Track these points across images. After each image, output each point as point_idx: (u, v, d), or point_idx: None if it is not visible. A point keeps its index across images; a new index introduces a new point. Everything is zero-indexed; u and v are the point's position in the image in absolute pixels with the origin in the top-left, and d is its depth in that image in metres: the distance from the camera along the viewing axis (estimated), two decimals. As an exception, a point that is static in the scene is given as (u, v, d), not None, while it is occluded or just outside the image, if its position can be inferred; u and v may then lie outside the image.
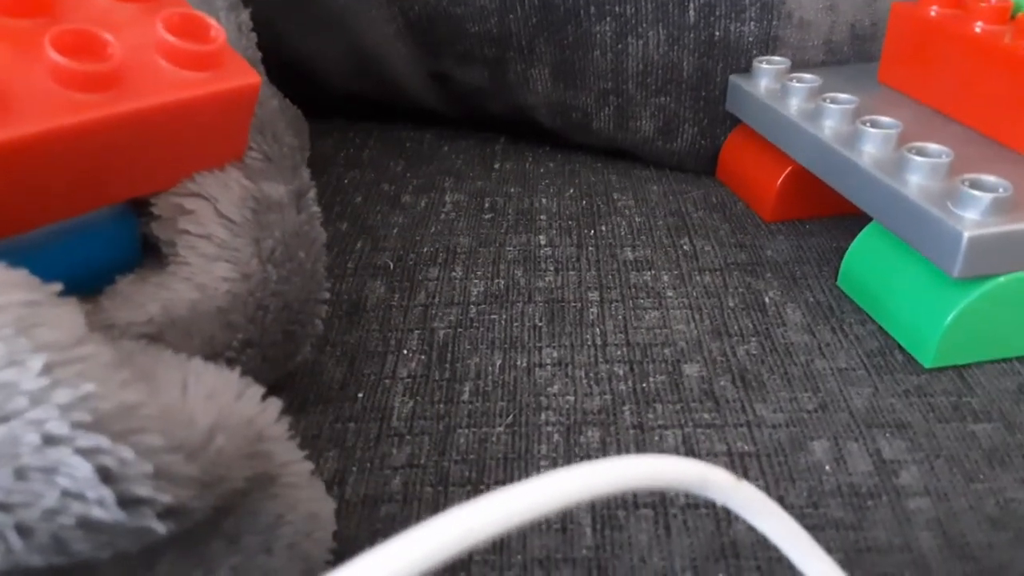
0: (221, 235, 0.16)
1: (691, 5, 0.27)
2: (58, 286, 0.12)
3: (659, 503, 0.17)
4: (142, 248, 0.17)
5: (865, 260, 0.23)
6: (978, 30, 0.23)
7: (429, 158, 0.31)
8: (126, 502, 0.11)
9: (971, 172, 0.20)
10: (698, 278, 0.24)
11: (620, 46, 0.28)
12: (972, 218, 0.19)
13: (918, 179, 0.20)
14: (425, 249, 0.25)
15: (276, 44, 0.31)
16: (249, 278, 0.16)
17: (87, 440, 0.11)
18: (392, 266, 0.24)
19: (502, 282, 0.24)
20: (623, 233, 0.26)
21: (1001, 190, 0.19)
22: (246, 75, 0.16)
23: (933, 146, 0.21)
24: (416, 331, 0.21)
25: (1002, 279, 0.19)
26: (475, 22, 0.29)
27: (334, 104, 0.34)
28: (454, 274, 0.24)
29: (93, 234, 0.16)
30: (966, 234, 0.18)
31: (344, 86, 0.33)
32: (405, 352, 0.21)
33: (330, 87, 0.33)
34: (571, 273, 0.24)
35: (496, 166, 0.31)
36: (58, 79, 0.13)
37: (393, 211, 0.27)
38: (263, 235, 0.17)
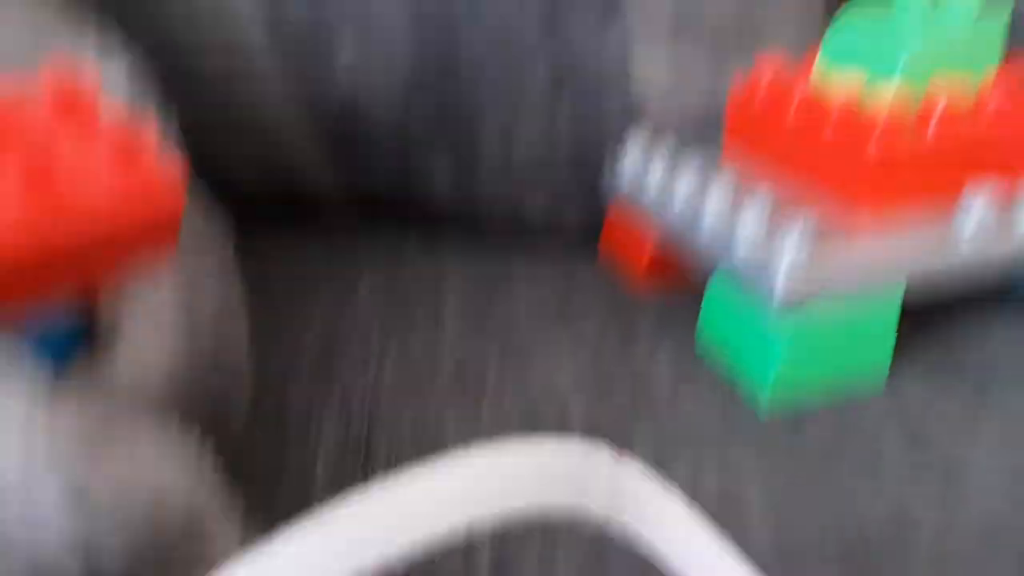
0: (155, 320, 0.19)
1: (564, 95, 0.31)
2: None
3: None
4: (82, 337, 0.19)
5: (716, 314, 0.26)
6: (795, 105, 0.28)
7: (342, 254, 0.34)
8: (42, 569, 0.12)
9: (789, 218, 0.24)
10: (583, 353, 0.27)
11: (507, 137, 0.32)
12: (784, 253, 0.23)
13: (746, 229, 0.24)
14: (340, 344, 0.27)
15: (187, 150, 0.35)
16: (180, 358, 0.19)
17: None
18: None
19: (408, 374, 0.26)
20: (519, 317, 0.29)
21: (807, 228, 0.23)
22: (174, 174, 0.19)
23: (759, 198, 0.25)
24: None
25: (818, 311, 0.23)
26: (378, 124, 0.33)
27: (246, 207, 0.37)
28: (369, 371, 0.27)
29: (39, 326, 0.18)
30: (781, 265, 0.22)
31: (254, 191, 0.36)
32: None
33: (241, 192, 0.36)
34: (471, 364, 0.26)
35: (406, 258, 0.34)
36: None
37: (309, 306, 0.30)
38: (193, 317, 0.20)
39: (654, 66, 0.31)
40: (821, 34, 0.29)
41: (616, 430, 0.22)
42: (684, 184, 0.28)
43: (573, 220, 0.35)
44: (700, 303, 0.27)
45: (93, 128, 0.18)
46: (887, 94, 0.27)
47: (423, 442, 0.22)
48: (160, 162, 0.19)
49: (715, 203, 0.26)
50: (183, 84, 0.32)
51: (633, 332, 0.28)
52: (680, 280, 0.30)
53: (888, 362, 0.24)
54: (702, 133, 0.33)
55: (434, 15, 0.30)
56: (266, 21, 0.30)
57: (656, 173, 0.30)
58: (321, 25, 0.30)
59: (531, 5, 0.30)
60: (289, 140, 0.34)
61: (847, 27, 0.29)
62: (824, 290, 0.23)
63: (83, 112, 0.18)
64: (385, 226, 0.37)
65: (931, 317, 0.28)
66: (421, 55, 0.31)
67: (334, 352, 0.27)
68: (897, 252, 0.24)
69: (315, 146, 0.34)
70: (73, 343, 0.19)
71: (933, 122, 0.25)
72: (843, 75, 0.28)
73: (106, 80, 0.20)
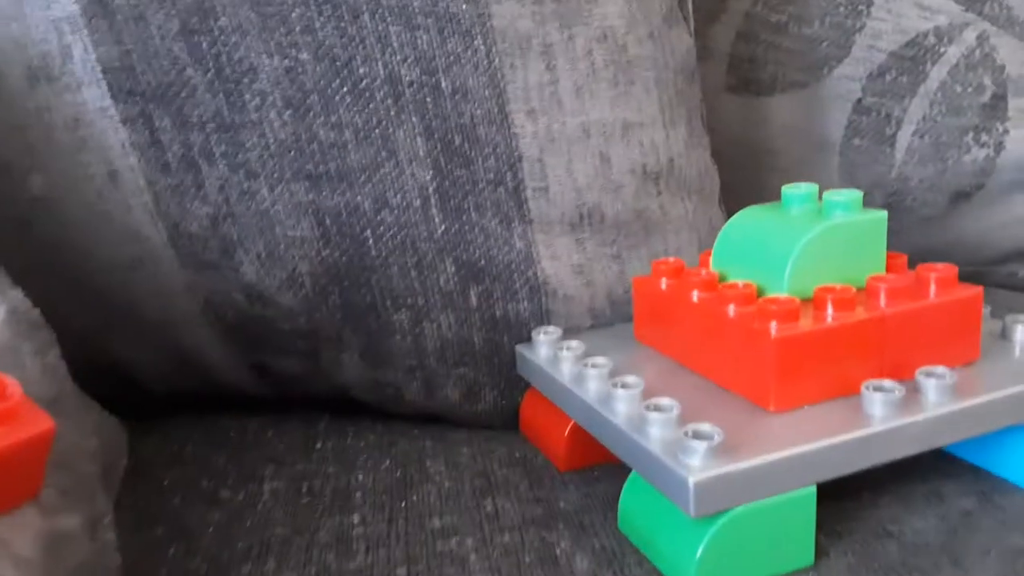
0: (11, 574, 0.17)
1: (472, 293, 0.32)
2: None
3: None
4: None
5: (635, 505, 0.26)
6: (695, 298, 0.29)
7: (252, 445, 0.33)
8: None
9: (696, 420, 0.24)
10: (498, 538, 0.26)
11: (418, 330, 0.32)
12: (695, 464, 0.22)
13: (656, 431, 0.24)
14: (239, 545, 0.26)
15: (96, 352, 0.34)
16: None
17: None
18: (205, 569, 0.25)
19: (313, 569, 0.25)
20: (432, 500, 0.28)
21: (716, 437, 0.23)
22: (40, 423, 0.18)
23: (666, 401, 0.25)
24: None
25: (735, 512, 0.23)
26: (285, 321, 0.32)
27: (157, 402, 0.36)
28: (267, 567, 0.25)
29: None
30: (691, 479, 0.22)
31: (166, 386, 0.35)
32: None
33: (152, 388, 0.35)
34: (381, 551, 0.26)
35: (318, 446, 0.33)
36: None
37: (211, 509, 0.28)
38: (55, 566, 0.18)
39: (558, 262, 0.32)
40: (716, 233, 0.31)
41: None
42: (592, 386, 0.28)
43: (488, 406, 0.34)
44: (621, 477, 0.27)
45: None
46: (780, 291, 0.27)
47: None
48: (23, 404, 0.18)
49: (623, 409, 0.26)
50: (88, 278, 0.31)
51: (552, 513, 0.27)
52: (599, 455, 0.29)
53: (811, 543, 0.24)
54: (609, 318, 0.34)
55: (338, 220, 0.30)
56: (165, 229, 0.30)
57: (565, 370, 0.29)
58: (223, 241, 0.30)
59: (435, 204, 0.30)
60: (193, 333, 0.33)
61: (738, 229, 0.30)
62: (737, 499, 0.23)
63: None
64: (297, 413, 0.36)
65: (852, 486, 0.28)
66: (326, 260, 0.31)
67: (232, 557, 0.25)
68: (808, 456, 0.24)
69: (220, 341, 0.33)
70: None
71: (829, 307, 0.26)
72: (736, 276, 0.29)
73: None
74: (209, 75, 0.28)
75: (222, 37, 0.28)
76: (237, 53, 0.28)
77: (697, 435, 0.23)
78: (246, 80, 0.28)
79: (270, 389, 0.35)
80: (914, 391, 0.26)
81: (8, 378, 0.18)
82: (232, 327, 0.33)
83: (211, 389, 0.35)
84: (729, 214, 0.33)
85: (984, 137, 0.45)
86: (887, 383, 0.26)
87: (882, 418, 0.25)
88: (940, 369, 0.26)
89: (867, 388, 0.25)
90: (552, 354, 0.31)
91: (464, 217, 0.31)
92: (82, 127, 0.29)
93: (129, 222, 0.30)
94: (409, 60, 0.29)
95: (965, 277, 0.29)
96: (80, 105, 0.29)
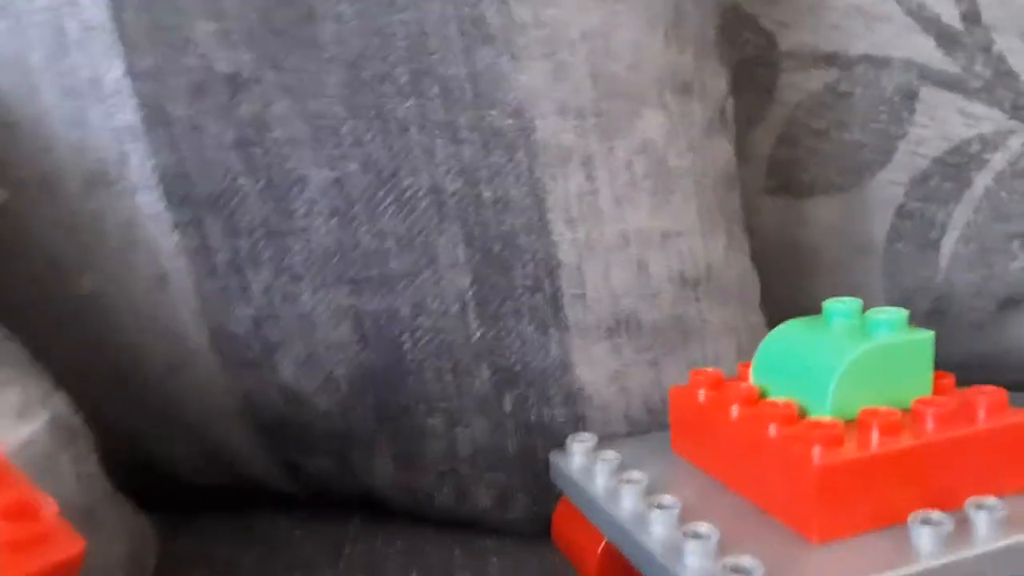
0: None
1: (506, 398, 0.32)
2: None
3: None
4: None
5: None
6: (734, 414, 0.28)
7: (282, 547, 0.33)
8: None
9: (735, 550, 0.23)
10: None
11: (451, 434, 0.32)
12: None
13: (693, 561, 0.23)
14: None
15: (133, 447, 0.34)
16: None
17: None
18: None
19: None
20: None
21: (756, 574, 0.22)
22: (71, 546, 0.18)
23: (704, 528, 0.24)
24: None
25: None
26: (320, 422, 0.32)
27: (191, 496, 0.36)
28: None
29: None
30: (731, 619, 0.21)
31: (199, 481, 0.35)
32: None
33: (186, 483, 0.35)
34: None
35: (346, 550, 0.33)
36: None
37: (237, 615, 0.28)
38: None
39: (594, 368, 0.32)
40: (755, 338, 0.30)
41: None
42: (627, 504, 0.27)
43: (520, 514, 0.33)
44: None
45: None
46: (823, 412, 0.27)
47: None
48: (55, 527, 0.18)
49: (659, 532, 0.25)
50: (129, 377, 0.32)
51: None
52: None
53: None
54: (646, 426, 0.33)
55: (376, 325, 0.30)
56: (209, 329, 0.31)
57: (599, 484, 0.29)
58: (264, 343, 0.31)
59: (472, 310, 0.31)
60: (228, 431, 0.33)
61: (779, 343, 0.30)
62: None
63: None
64: (327, 512, 0.35)
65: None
66: (363, 363, 0.31)
67: None
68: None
69: (255, 439, 0.33)
70: None
71: (874, 432, 0.25)
72: (777, 391, 0.29)
73: (15, 443, 0.19)
74: (260, 184, 0.29)
75: (275, 148, 0.29)
76: (288, 164, 0.29)
77: (736, 570, 0.22)
78: (295, 189, 0.29)
79: (301, 487, 0.35)
80: (963, 522, 0.25)
81: (43, 498, 0.18)
82: (267, 426, 0.33)
83: (244, 485, 0.35)
84: (769, 317, 0.33)
85: (1032, 243, 0.44)
86: (935, 515, 0.25)
87: (930, 554, 0.24)
88: (991, 500, 0.25)
89: (914, 521, 0.24)
90: (586, 464, 0.30)
91: (501, 323, 0.31)
92: (135, 230, 0.30)
93: (174, 322, 0.31)
94: (453, 171, 0.30)
95: (1015, 387, 0.28)
96: (134, 209, 0.30)
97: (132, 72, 0.29)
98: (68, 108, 0.29)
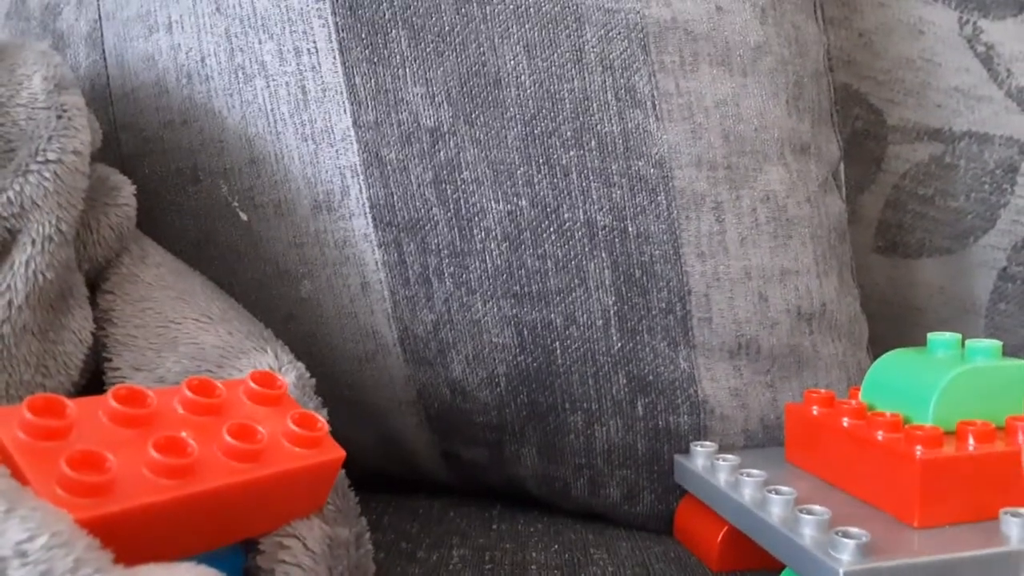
0: (307, 563, 0.23)
1: (639, 403, 0.37)
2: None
3: None
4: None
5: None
6: (845, 424, 0.33)
7: (439, 521, 0.38)
8: None
9: (844, 526, 0.27)
10: None
11: (589, 431, 0.37)
12: (845, 559, 0.26)
13: (808, 530, 0.28)
14: None
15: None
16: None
17: None
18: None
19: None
20: None
21: (864, 538, 0.26)
22: (335, 451, 0.25)
23: (818, 507, 0.29)
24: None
25: (879, 606, 0.26)
26: (480, 414, 0.38)
27: (359, 479, 0.42)
28: (462, 612, 0.30)
29: (216, 564, 0.23)
30: (841, 570, 0.25)
31: (370, 464, 0.42)
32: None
33: (357, 465, 0.42)
34: None
35: (494, 527, 0.38)
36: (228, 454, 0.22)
37: (410, 564, 0.34)
38: (334, 564, 0.24)
39: (717, 384, 0.37)
40: (863, 374, 0.35)
41: None
42: (747, 491, 0.32)
43: (645, 509, 0.38)
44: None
45: (284, 412, 0.24)
46: (924, 422, 0.31)
47: None
48: (326, 437, 0.24)
49: (777, 511, 0.30)
50: (330, 366, 0.39)
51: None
52: (754, 557, 0.32)
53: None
54: (761, 440, 0.37)
55: (534, 332, 0.37)
56: (398, 330, 0.38)
57: (721, 478, 0.33)
58: (440, 343, 0.37)
59: (614, 325, 0.36)
60: (403, 420, 0.40)
61: (886, 366, 0.34)
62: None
63: (278, 402, 0.25)
64: (473, 500, 0.41)
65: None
66: (520, 364, 0.37)
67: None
68: (950, 563, 0.26)
69: (423, 428, 0.40)
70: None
71: (971, 438, 0.29)
72: (883, 408, 0.33)
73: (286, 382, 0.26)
74: (449, 214, 0.36)
75: (463, 186, 0.36)
76: (472, 198, 0.36)
77: (847, 535, 0.27)
78: (476, 219, 0.36)
79: (456, 476, 0.41)
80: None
81: (319, 416, 0.25)
82: (435, 416, 0.39)
83: (406, 470, 0.41)
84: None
85: None
86: (1024, 511, 0.28)
87: (1019, 539, 0.27)
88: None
89: (1005, 512, 0.28)
90: (708, 464, 0.35)
91: (638, 337, 0.36)
92: (348, 248, 0.37)
93: (371, 323, 0.38)
94: (604, 209, 0.36)
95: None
96: (349, 231, 0.37)
97: (357, 123, 0.37)
98: (305, 150, 0.38)
